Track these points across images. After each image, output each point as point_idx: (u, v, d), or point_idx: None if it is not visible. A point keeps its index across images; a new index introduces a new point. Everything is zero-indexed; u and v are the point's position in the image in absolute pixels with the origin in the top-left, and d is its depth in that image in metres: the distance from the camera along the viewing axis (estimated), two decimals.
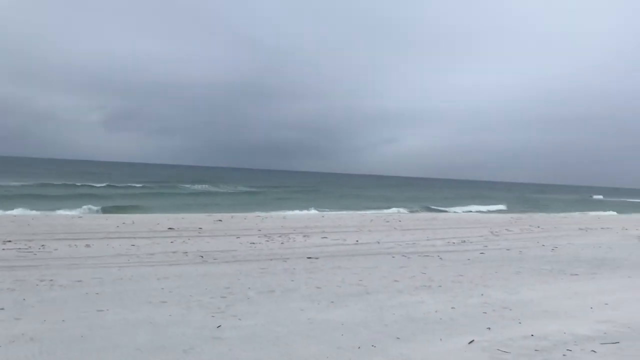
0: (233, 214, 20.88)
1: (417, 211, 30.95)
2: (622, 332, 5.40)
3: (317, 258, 10.18)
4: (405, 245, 12.74)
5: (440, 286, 7.66)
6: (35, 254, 9.38)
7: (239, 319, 5.52)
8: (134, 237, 12.26)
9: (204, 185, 50.03)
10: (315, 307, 6.18)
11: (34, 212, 18.94)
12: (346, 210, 28.29)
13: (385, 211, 28.87)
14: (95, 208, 22.13)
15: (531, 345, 4.88)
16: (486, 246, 13.04)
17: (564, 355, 4.62)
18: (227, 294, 6.70)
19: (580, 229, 19.30)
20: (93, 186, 38.28)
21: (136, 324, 5.22)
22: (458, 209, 35.27)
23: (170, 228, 14.45)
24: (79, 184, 39.69)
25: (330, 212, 25.91)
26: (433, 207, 35.34)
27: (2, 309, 5.59)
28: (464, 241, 13.97)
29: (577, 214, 32.61)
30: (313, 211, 26.30)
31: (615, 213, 36.39)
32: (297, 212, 25.32)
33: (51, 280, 7.18)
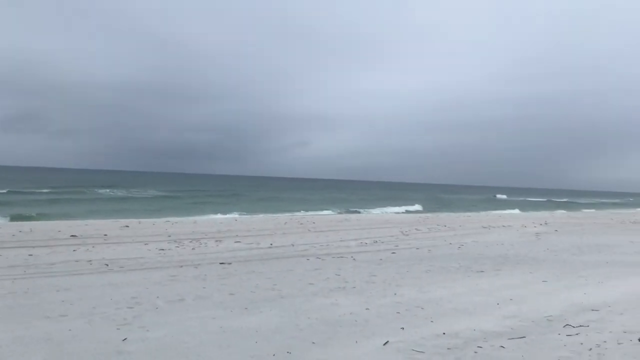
0: (141, 220, 19.80)
1: (341, 212, 31.44)
2: (527, 326, 5.62)
3: (230, 263, 9.82)
4: (320, 247, 12.69)
5: (354, 287, 7.64)
6: None
7: (147, 330, 5.15)
8: (32, 247, 11.23)
9: (113, 190, 47.28)
10: (228, 314, 5.91)
11: None
12: (264, 213, 27.94)
13: (310, 213, 28.96)
14: None
15: (444, 343, 4.92)
16: (397, 246, 13.33)
17: (475, 352, 4.69)
18: (134, 304, 6.26)
19: (483, 227, 20.37)
20: None
21: (30, 342, 4.70)
22: (378, 210, 36.21)
23: (72, 235, 13.42)
24: None
25: (244, 216, 25.43)
26: (352, 209, 35.95)
27: None
28: (376, 241, 14.20)
29: (482, 213, 34.59)
30: (227, 215, 25.67)
31: (519, 211, 39.63)
32: (210, 216, 24.59)
33: None
